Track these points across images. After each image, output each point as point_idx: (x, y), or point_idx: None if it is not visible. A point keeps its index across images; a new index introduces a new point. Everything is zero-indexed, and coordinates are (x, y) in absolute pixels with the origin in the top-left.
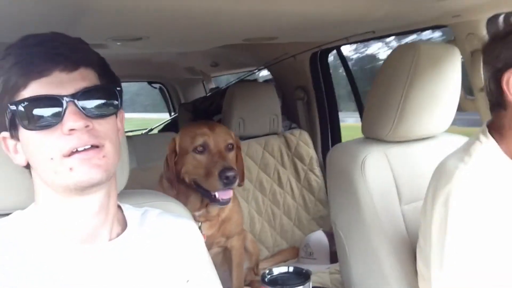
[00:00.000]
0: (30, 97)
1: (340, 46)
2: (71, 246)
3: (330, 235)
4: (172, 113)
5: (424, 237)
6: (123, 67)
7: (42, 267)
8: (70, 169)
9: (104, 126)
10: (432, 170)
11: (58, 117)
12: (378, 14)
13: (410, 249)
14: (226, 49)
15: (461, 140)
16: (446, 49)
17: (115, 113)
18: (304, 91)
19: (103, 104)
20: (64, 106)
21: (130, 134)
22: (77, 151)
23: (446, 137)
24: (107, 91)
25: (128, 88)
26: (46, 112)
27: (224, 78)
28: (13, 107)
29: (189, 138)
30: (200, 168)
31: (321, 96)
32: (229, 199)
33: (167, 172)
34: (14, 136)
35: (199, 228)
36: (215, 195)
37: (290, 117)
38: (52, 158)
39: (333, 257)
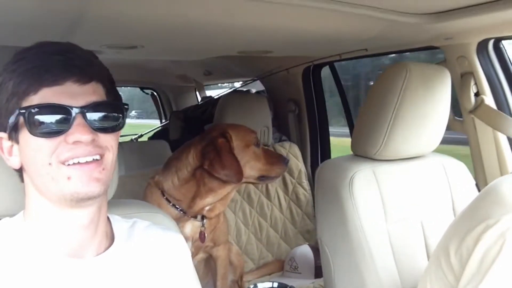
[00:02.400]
0: (42, 104)
1: (333, 62)
2: (58, 259)
3: (316, 250)
4: (163, 120)
5: (448, 258)
6: (116, 71)
7: (26, 279)
8: (68, 178)
9: (107, 138)
10: (419, 188)
11: (65, 127)
12: (371, 34)
13: (394, 268)
14: (220, 59)
15: (447, 160)
16: (437, 70)
17: (121, 128)
18: (295, 104)
19: (110, 119)
20: (73, 117)
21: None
22: (78, 163)
23: (434, 157)
24: (115, 107)
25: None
26: (54, 120)
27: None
28: (23, 111)
29: (244, 134)
30: (263, 159)
31: (312, 109)
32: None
33: (223, 169)
34: (14, 138)
35: (203, 225)
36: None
37: (281, 129)
38: (50, 164)
39: (318, 272)
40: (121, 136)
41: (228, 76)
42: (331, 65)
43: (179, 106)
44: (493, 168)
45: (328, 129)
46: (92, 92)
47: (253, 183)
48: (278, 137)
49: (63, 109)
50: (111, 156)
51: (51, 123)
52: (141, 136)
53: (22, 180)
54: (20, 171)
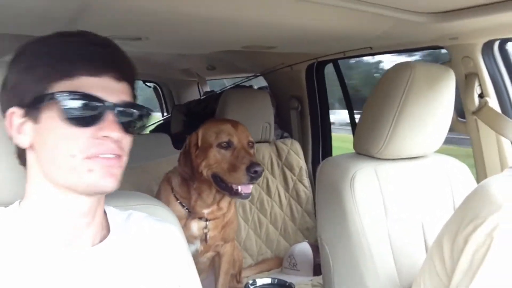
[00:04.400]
0: (79, 91)
1: (337, 59)
2: (54, 249)
3: (315, 247)
4: (165, 114)
5: (442, 258)
6: None
7: (21, 268)
8: (89, 170)
9: (128, 140)
10: (420, 189)
11: (97, 120)
12: (376, 32)
13: (393, 267)
14: (223, 53)
15: (450, 161)
16: (441, 70)
17: (141, 132)
18: (298, 101)
19: (136, 121)
20: (107, 112)
21: None
22: (99, 157)
23: (436, 157)
24: (143, 111)
25: None
26: (88, 110)
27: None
28: (58, 94)
29: (213, 133)
30: (225, 163)
31: (315, 107)
32: (250, 193)
33: (185, 166)
34: (31, 116)
35: (206, 226)
36: (237, 190)
37: (283, 126)
38: (74, 155)
39: (317, 270)
40: None
41: (232, 71)
42: (334, 62)
43: (181, 100)
44: (495, 170)
45: (330, 126)
46: (124, 91)
47: (230, 195)
48: (280, 134)
49: (99, 102)
50: (126, 158)
51: (85, 113)
52: None
53: (22, 162)
54: (22, 152)
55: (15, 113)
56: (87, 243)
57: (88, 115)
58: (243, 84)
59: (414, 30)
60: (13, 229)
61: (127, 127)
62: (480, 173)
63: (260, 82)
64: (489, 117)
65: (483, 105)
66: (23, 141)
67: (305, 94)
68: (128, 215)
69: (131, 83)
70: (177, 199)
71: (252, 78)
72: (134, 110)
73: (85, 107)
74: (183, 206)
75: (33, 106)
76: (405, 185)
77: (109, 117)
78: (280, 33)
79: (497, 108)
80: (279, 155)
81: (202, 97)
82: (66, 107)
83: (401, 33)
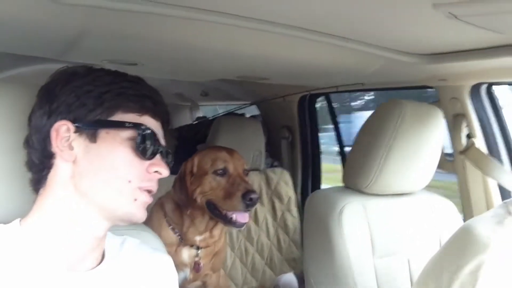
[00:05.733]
0: (151, 128)
1: (330, 93)
2: (53, 270)
3: (301, 279)
4: None
5: None
6: None
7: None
8: (135, 199)
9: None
10: (407, 225)
11: (153, 156)
12: (368, 70)
13: None
14: (217, 81)
15: (437, 199)
16: (430, 110)
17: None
18: (289, 131)
19: (170, 163)
20: (159, 151)
21: None
22: (143, 190)
23: (424, 194)
24: (172, 155)
25: None
26: (150, 146)
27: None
28: (137, 124)
29: (209, 160)
30: (220, 190)
31: (305, 138)
32: (245, 223)
33: (180, 192)
34: (87, 133)
35: (198, 254)
36: (231, 218)
37: (273, 154)
38: (130, 181)
39: None
40: None
41: (225, 98)
42: (327, 96)
43: (173, 124)
44: (481, 209)
45: (320, 157)
46: (164, 136)
47: (224, 223)
48: (270, 162)
49: (158, 141)
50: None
51: (148, 147)
52: None
53: (36, 181)
54: (45, 169)
55: (66, 126)
56: (85, 267)
57: (150, 150)
58: (235, 111)
59: (404, 69)
60: (11, 248)
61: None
62: (466, 211)
63: (252, 110)
64: (476, 157)
65: (470, 145)
66: (67, 156)
67: (296, 124)
68: (122, 240)
69: (165, 126)
70: (170, 225)
71: (245, 107)
72: (170, 154)
73: (150, 142)
74: (175, 232)
75: (92, 126)
76: (393, 221)
77: (160, 156)
78: (274, 66)
79: (484, 149)
80: (268, 184)
81: (194, 122)
82: (138, 137)
83: (392, 72)
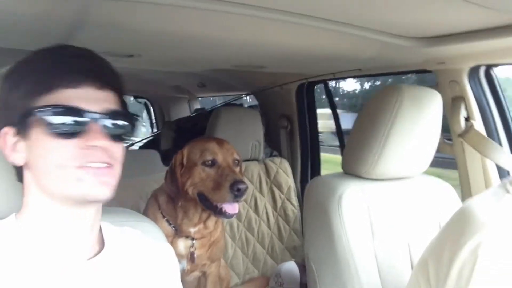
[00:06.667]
0: (61, 104)
1: (327, 80)
2: (50, 262)
3: (302, 267)
4: (155, 130)
5: (427, 277)
6: None
7: (17, 281)
8: (79, 179)
9: (118, 148)
10: (406, 209)
11: (80, 130)
12: (365, 54)
13: (380, 286)
14: (214, 71)
15: (436, 182)
16: (429, 93)
17: (129, 139)
18: (288, 120)
19: (123, 128)
20: (89, 122)
21: None
22: (89, 166)
23: (423, 178)
24: (129, 118)
25: None
26: (71, 122)
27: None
28: (41, 109)
29: (198, 151)
30: (209, 181)
31: (304, 126)
32: (235, 213)
33: (171, 184)
34: (22, 134)
35: (193, 245)
36: (221, 208)
37: (272, 144)
38: (64, 166)
39: None
40: None
41: (222, 89)
42: (325, 83)
43: (171, 117)
44: (480, 191)
45: (318, 145)
46: (107, 99)
47: (214, 214)
48: (269, 152)
49: (80, 112)
50: (119, 168)
51: (68, 124)
52: (132, 144)
53: (19, 178)
54: (19, 170)
55: (8, 133)
56: (83, 257)
57: (71, 126)
58: (233, 102)
59: (401, 54)
60: (10, 241)
61: (114, 135)
62: (465, 193)
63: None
64: (475, 139)
65: (469, 128)
66: (18, 160)
67: (295, 113)
68: (123, 230)
69: (117, 91)
70: (164, 217)
71: (242, 97)
72: (120, 118)
73: (67, 119)
74: (170, 224)
75: (21, 124)
76: (392, 205)
77: (94, 127)
78: (270, 53)
79: (483, 131)
80: (268, 173)
81: (192, 114)
82: (49, 121)
83: (389, 57)
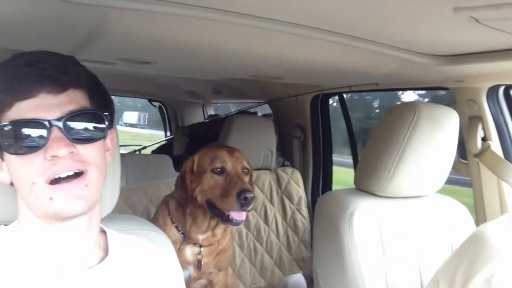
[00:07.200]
0: (14, 120)
1: (343, 92)
2: (50, 270)
3: (309, 280)
4: (168, 134)
5: None
6: (125, 82)
7: None
8: (50, 198)
9: (90, 150)
10: (419, 229)
11: (42, 142)
12: (382, 70)
13: None
14: (230, 79)
15: (450, 202)
16: (446, 111)
17: (103, 138)
18: (301, 131)
19: (90, 128)
20: (49, 131)
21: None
22: (59, 178)
23: (437, 197)
24: (95, 116)
25: None
26: (29, 136)
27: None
28: (2, 128)
29: (208, 159)
30: (217, 188)
31: (318, 137)
32: (242, 221)
33: (181, 190)
34: (0, 154)
35: (200, 252)
36: (228, 216)
37: (284, 154)
38: (33, 183)
39: None
40: (124, 145)
41: (237, 96)
42: (340, 95)
43: (185, 121)
44: (495, 214)
45: (331, 158)
46: (68, 101)
47: (222, 221)
48: (281, 162)
49: (37, 123)
50: (96, 171)
51: (27, 139)
52: (145, 148)
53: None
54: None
55: None
56: (83, 265)
57: (31, 140)
58: (247, 110)
59: (420, 71)
60: (12, 248)
61: (82, 138)
62: (479, 216)
63: (264, 108)
64: (491, 160)
65: (486, 148)
66: (4, 178)
67: (308, 124)
68: (128, 238)
69: (81, 88)
70: (173, 223)
71: (257, 106)
72: (85, 118)
73: (25, 133)
74: (179, 230)
75: None
76: (404, 225)
77: (54, 134)
78: (287, 65)
79: (500, 153)
80: (279, 183)
81: (206, 120)
82: (7, 140)
83: (407, 73)
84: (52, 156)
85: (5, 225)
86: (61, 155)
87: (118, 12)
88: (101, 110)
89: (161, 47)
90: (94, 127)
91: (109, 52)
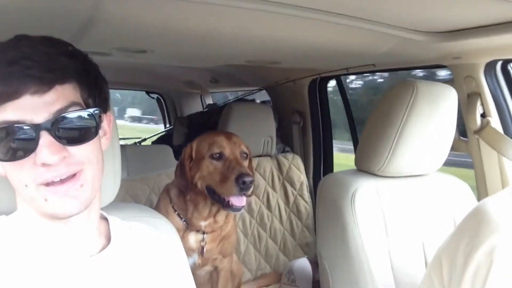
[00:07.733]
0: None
1: (340, 75)
2: (51, 259)
3: (314, 263)
4: (167, 125)
5: (440, 276)
6: (122, 74)
7: (20, 278)
8: (45, 199)
9: (83, 150)
10: (421, 207)
11: (31, 146)
12: (379, 50)
13: (393, 285)
14: (227, 67)
15: (451, 180)
16: (444, 89)
17: (96, 134)
18: (300, 116)
19: (81, 129)
20: (37, 135)
21: (122, 142)
22: (52, 182)
23: (438, 176)
24: (86, 112)
25: None
26: (16, 140)
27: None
28: None
29: (206, 144)
30: (216, 174)
31: (317, 122)
32: (242, 206)
33: (181, 178)
34: None
35: (203, 239)
36: (228, 201)
37: (284, 140)
38: (26, 185)
39: (316, 286)
40: (125, 138)
41: (235, 84)
42: (337, 78)
43: (184, 112)
44: (497, 190)
45: (331, 141)
46: (56, 99)
47: (222, 207)
48: (282, 148)
49: (24, 129)
50: (91, 169)
51: (14, 144)
52: (145, 140)
53: None
54: None
55: None
56: (86, 253)
57: (19, 146)
58: (245, 97)
59: (417, 49)
60: (12, 238)
61: (71, 138)
62: (481, 192)
63: (262, 95)
64: (491, 137)
65: (485, 124)
66: (0, 172)
67: (307, 109)
68: (130, 226)
69: (71, 81)
70: (175, 211)
71: (255, 92)
72: (72, 116)
73: (11, 139)
74: (181, 218)
75: None
76: (406, 203)
77: (43, 139)
78: (283, 49)
79: (499, 128)
80: (280, 169)
81: (204, 110)
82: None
83: (404, 52)
84: (43, 163)
85: (6, 215)
86: (52, 163)
87: None
88: (93, 98)
89: (156, 33)
90: (85, 126)
91: (104, 42)
